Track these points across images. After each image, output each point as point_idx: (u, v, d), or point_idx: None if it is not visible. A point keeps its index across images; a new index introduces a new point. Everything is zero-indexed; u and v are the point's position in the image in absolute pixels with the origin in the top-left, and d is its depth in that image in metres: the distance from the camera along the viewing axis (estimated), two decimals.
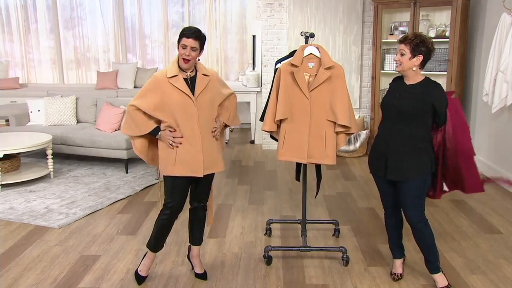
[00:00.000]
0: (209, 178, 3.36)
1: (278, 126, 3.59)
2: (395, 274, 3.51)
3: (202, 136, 3.19)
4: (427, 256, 3.35)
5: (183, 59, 3.09)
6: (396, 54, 3.22)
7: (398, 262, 3.53)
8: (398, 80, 3.35)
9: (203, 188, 3.39)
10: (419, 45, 3.11)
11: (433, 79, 3.24)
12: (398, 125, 3.20)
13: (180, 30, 3.13)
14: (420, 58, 3.14)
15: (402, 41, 3.18)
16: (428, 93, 3.14)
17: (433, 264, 3.35)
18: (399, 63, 3.19)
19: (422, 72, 3.23)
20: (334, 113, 3.46)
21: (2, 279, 3.49)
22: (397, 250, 3.52)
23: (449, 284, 3.36)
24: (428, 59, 3.20)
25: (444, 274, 3.40)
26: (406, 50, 3.14)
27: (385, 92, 3.45)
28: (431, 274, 3.39)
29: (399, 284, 3.41)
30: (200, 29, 3.14)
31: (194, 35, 3.06)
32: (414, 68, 3.17)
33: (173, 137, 3.16)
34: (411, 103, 3.16)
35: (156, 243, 3.41)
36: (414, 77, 3.21)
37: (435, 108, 3.15)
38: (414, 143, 3.18)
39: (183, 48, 3.07)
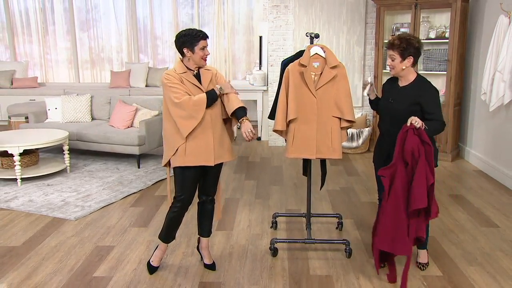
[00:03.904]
0: (217, 170, 3.42)
1: (287, 125, 3.64)
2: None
3: (213, 126, 3.27)
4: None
5: (205, 59, 3.24)
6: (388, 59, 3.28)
7: None
8: (392, 82, 3.42)
9: (211, 180, 3.44)
10: (407, 49, 3.17)
11: (433, 78, 3.24)
12: (394, 127, 3.27)
13: (188, 35, 3.15)
14: (410, 59, 3.21)
15: (389, 47, 3.23)
16: (416, 92, 3.22)
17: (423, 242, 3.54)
18: (392, 67, 3.26)
19: (423, 73, 3.27)
20: (341, 109, 3.56)
21: (23, 268, 3.60)
22: None
23: (428, 262, 3.56)
24: (419, 56, 3.25)
25: (428, 252, 3.62)
26: (396, 55, 3.20)
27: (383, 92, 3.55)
28: (417, 249, 3.57)
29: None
30: (203, 30, 3.27)
31: (207, 35, 3.23)
32: (404, 67, 3.24)
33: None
34: (402, 107, 3.24)
35: (167, 235, 3.46)
36: (407, 77, 3.28)
37: (422, 106, 3.21)
38: None
39: (202, 50, 3.19)
